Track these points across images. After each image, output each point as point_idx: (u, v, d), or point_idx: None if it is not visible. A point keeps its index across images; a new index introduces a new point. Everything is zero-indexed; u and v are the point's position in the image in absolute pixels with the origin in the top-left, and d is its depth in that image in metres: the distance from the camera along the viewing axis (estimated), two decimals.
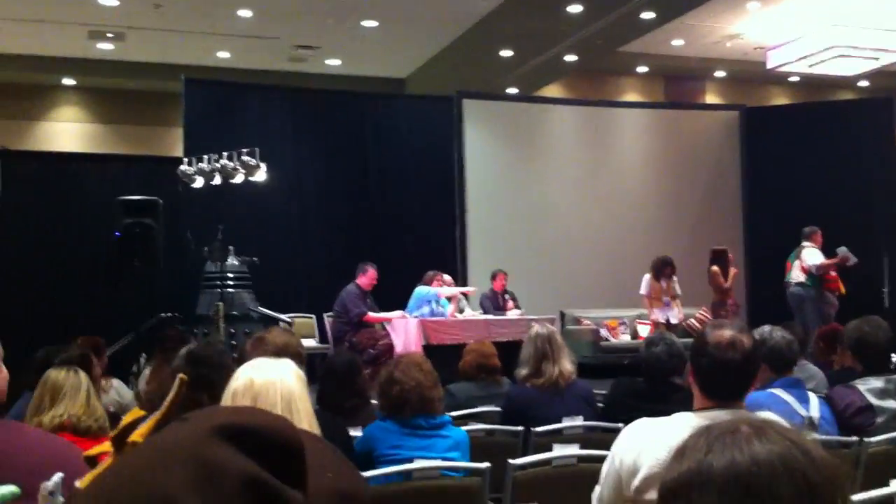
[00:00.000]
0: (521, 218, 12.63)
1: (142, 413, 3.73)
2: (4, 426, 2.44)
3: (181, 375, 3.15)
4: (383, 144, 12.44)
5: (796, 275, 10.77)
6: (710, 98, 17.91)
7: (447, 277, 10.47)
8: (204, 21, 13.69)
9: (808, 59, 14.60)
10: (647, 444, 2.52)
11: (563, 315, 11.42)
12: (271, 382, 2.68)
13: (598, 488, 2.70)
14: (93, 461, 2.98)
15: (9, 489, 1.91)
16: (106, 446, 3.27)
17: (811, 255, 10.70)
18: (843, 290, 10.65)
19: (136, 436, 3.05)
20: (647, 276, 10.50)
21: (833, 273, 10.68)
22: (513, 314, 10.46)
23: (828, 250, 10.73)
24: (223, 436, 0.83)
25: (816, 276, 10.60)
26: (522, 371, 4.88)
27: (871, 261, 11.36)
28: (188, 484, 0.79)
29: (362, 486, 1.24)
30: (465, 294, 10.74)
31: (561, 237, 12.73)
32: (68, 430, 3.55)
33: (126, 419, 3.61)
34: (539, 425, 4.42)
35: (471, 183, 12.51)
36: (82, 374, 3.79)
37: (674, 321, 10.15)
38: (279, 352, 3.42)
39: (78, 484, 1.57)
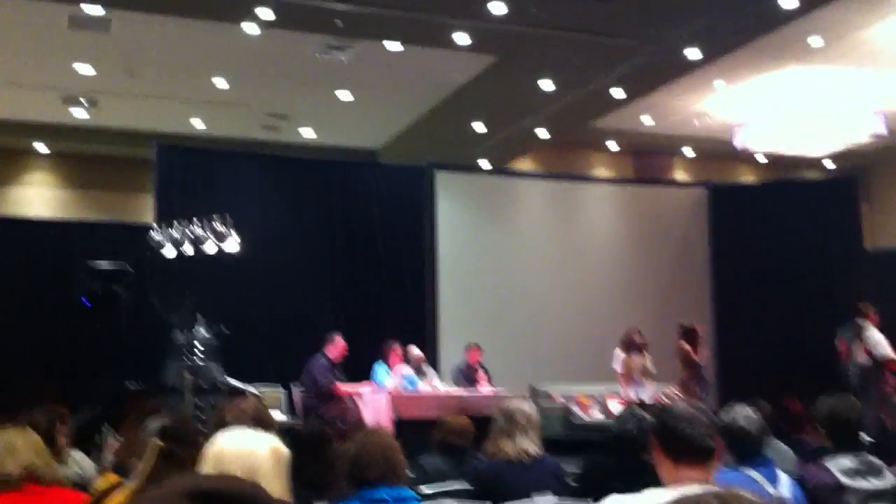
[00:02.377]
0: (492, 289, 12.67)
1: (116, 479, 3.70)
2: None
3: (157, 442, 3.12)
4: (355, 214, 12.49)
5: (859, 355, 10.77)
6: (679, 174, 18.14)
7: (415, 350, 10.44)
8: (178, 89, 13.76)
9: (773, 138, 14.88)
10: None
11: (533, 390, 11.39)
12: (239, 453, 2.66)
13: None
14: None
15: None
16: None
17: (874, 339, 10.71)
18: None
19: (114, 502, 3.02)
20: (617, 352, 10.53)
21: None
22: (485, 389, 10.43)
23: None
24: (196, 500, 0.85)
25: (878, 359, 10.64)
26: (486, 445, 4.87)
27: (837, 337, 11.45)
28: None
29: None
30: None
31: (531, 310, 12.77)
32: (32, 481, 3.54)
33: (101, 484, 3.58)
34: (508, 500, 4.38)
35: (442, 253, 12.57)
36: (32, 433, 3.77)
37: (647, 400, 10.13)
38: (254, 418, 3.41)
39: None
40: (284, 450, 2.74)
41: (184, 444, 3.32)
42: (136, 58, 12.45)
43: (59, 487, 3.73)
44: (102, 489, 3.55)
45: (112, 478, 3.75)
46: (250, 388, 9.00)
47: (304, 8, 10.44)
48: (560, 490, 4.70)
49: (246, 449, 2.67)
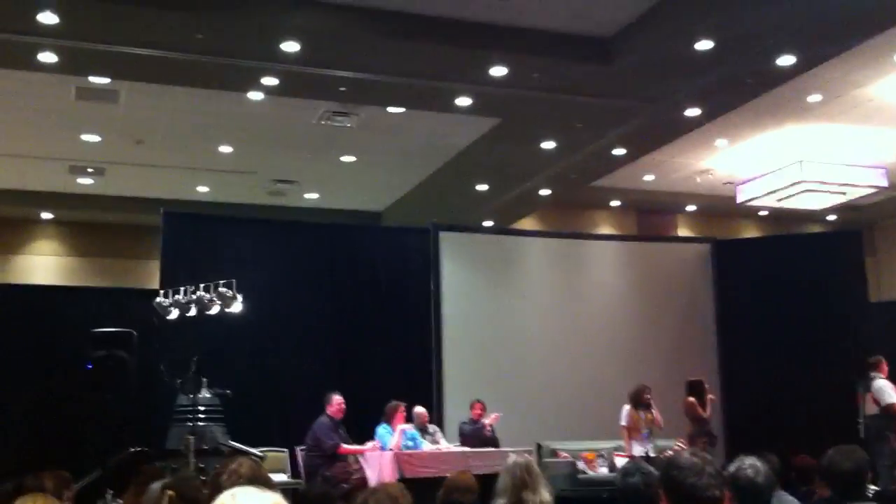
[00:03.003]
0: (497, 349, 12.63)
1: None
2: None
3: (169, 493, 3.15)
4: (360, 276, 12.51)
5: (870, 407, 10.73)
6: (682, 231, 18.21)
7: (419, 409, 10.42)
8: (184, 157, 13.91)
9: (776, 193, 14.95)
10: None
11: (539, 447, 11.32)
12: None
13: None
14: None
15: None
16: None
17: (883, 389, 10.68)
18: None
19: None
20: (626, 407, 10.47)
21: None
22: (491, 419, 10.51)
23: None
24: None
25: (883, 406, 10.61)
26: (500, 502, 4.80)
27: (844, 392, 11.42)
28: None
29: None
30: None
31: (537, 368, 12.71)
32: None
33: None
34: None
35: (447, 314, 12.54)
36: (51, 499, 3.80)
37: (653, 454, 10.05)
38: (250, 481, 3.39)
39: None
40: None
41: (190, 502, 3.33)
42: (142, 127, 12.62)
43: None
44: None
45: None
46: (253, 451, 8.95)
47: (308, 76, 10.60)
48: None
49: None
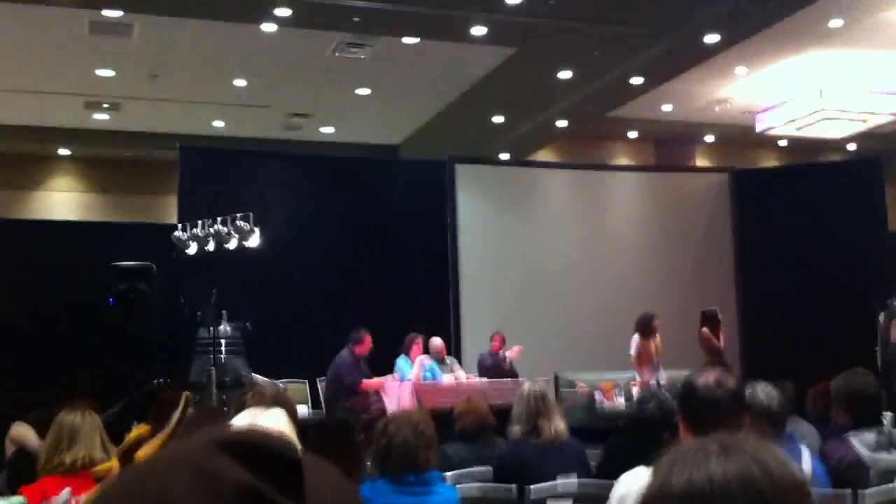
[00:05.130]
0: (514, 281, 12.66)
1: (146, 429, 3.77)
2: None
3: (186, 393, 3.19)
4: (377, 209, 12.51)
5: (893, 334, 10.70)
6: (700, 161, 18.07)
7: (436, 341, 10.47)
8: (198, 91, 13.85)
9: (795, 122, 14.79)
10: (642, 481, 2.54)
11: (557, 378, 11.37)
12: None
13: None
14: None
15: (18, 499, 2.03)
16: (114, 464, 3.30)
17: None
18: None
19: (143, 452, 3.12)
20: (635, 337, 10.46)
21: None
22: (512, 352, 10.55)
23: None
24: (223, 448, 0.87)
25: None
26: (516, 428, 4.85)
27: (863, 320, 11.40)
28: (186, 491, 0.82)
29: None
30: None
31: (554, 299, 12.74)
32: (88, 472, 3.61)
33: (131, 436, 3.65)
34: (532, 483, 4.41)
35: (464, 247, 12.55)
36: (96, 416, 3.84)
37: (664, 382, 10.06)
38: (275, 401, 3.44)
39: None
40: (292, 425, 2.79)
41: (209, 416, 3.37)
42: (157, 61, 12.54)
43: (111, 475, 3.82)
44: (134, 438, 3.63)
45: (143, 428, 3.81)
46: (274, 382, 9.05)
47: (321, 6, 10.48)
48: (583, 473, 4.71)
49: (268, 425, 2.71)
